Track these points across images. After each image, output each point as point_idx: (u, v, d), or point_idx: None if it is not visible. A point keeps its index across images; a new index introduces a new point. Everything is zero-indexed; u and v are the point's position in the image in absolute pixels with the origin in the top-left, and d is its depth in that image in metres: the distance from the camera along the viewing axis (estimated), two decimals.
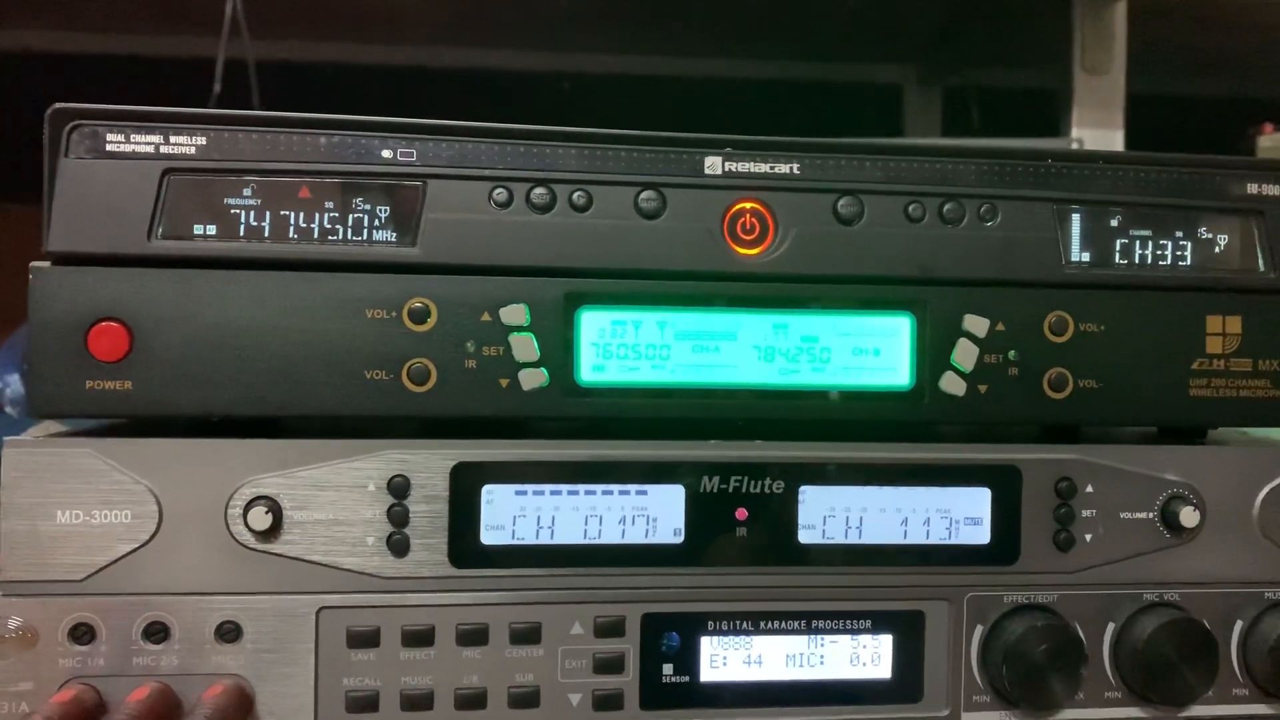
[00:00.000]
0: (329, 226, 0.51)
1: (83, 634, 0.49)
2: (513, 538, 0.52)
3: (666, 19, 1.20)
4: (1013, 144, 0.83)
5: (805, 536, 0.54)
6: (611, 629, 0.53)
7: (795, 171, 0.54)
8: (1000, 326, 0.55)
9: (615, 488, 0.53)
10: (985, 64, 1.38)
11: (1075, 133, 1.16)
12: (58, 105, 0.50)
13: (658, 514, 0.53)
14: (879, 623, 0.55)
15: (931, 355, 0.55)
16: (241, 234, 0.51)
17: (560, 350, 0.53)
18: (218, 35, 0.97)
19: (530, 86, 1.35)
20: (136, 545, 0.49)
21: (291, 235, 0.51)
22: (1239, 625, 0.56)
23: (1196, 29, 1.23)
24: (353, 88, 1.25)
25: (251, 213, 0.51)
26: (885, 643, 0.55)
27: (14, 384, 0.93)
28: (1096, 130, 1.16)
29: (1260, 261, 0.57)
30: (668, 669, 0.53)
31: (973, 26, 1.26)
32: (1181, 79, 1.37)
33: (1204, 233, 0.57)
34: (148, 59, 1.18)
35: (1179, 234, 0.57)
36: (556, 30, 1.24)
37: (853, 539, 0.54)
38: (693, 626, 0.53)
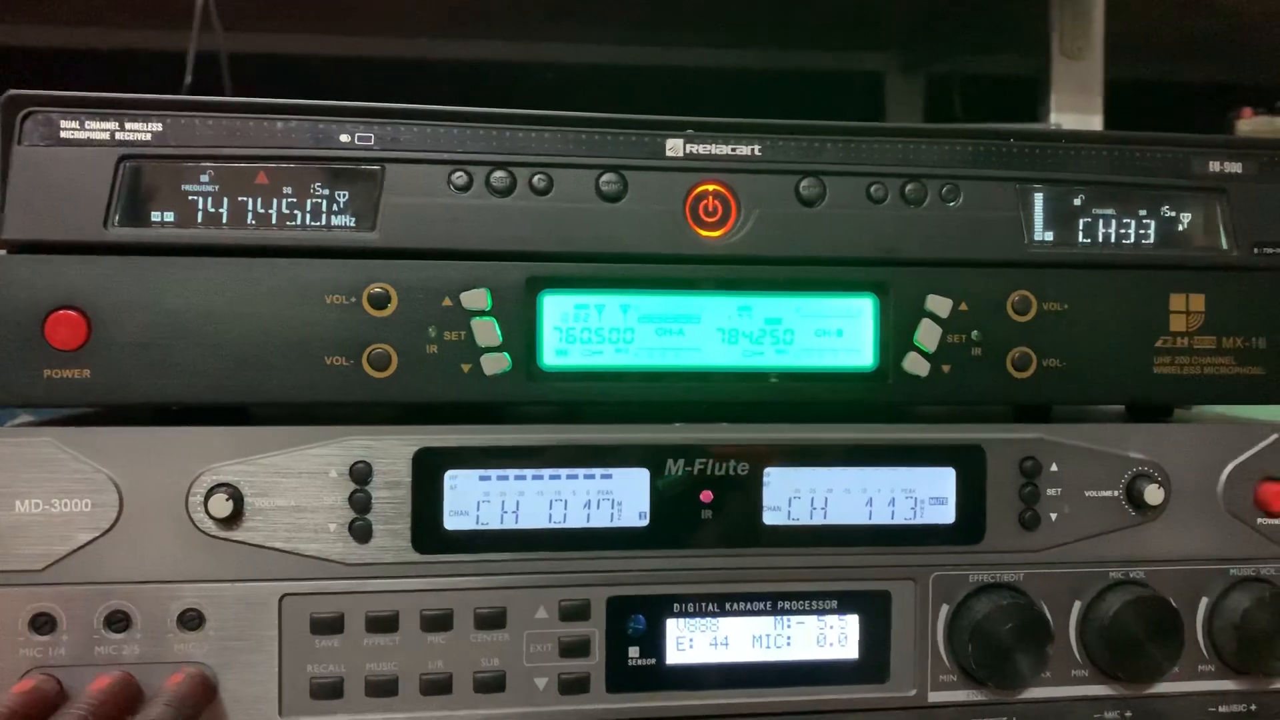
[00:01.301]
0: (287, 212, 0.51)
1: (43, 624, 0.49)
2: (477, 523, 0.52)
3: (648, 8, 1.19)
4: (979, 127, 0.82)
5: (770, 518, 0.54)
6: (577, 612, 0.53)
7: (757, 153, 0.54)
8: (963, 307, 0.55)
9: (580, 471, 0.53)
10: (967, 51, 1.37)
11: (1054, 118, 1.16)
12: (11, 92, 0.49)
13: (623, 497, 0.53)
14: (845, 603, 0.55)
15: (895, 336, 0.55)
16: (199, 220, 0.51)
17: (523, 334, 0.53)
18: (190, 28, 0.97)
19: (512, 77, 1.35)
20: (97, 534, 0.49)
21: (250, 221, 0.51)
22: (1204, 602, 0.56)
23: (1174, 13, 1.22)
24: (330, 80, 1.24)
25: (209, 199, 0.51)
26: (852, 623, 0.55)
27: None
28: (1076, 115, 1.16)
29: (1223, 239, 0.57)
30: (634, 652, 0.53)
31: (954, 13, 1.26)
32: (1160, 64, 1.37)
33: (1167, 211, 0.57)
34: (120, 53, 1.17)
35: (1142, 212, 0.57)
36: (538, 21, 1.24)
37: (818, 520, 0.54)
38: (658, 609, 0.53)
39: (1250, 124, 1.20)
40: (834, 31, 1.32)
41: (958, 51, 1.38)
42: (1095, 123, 1.16)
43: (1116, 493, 0.55)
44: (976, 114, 1.37)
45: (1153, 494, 0.55)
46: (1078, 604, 0.55)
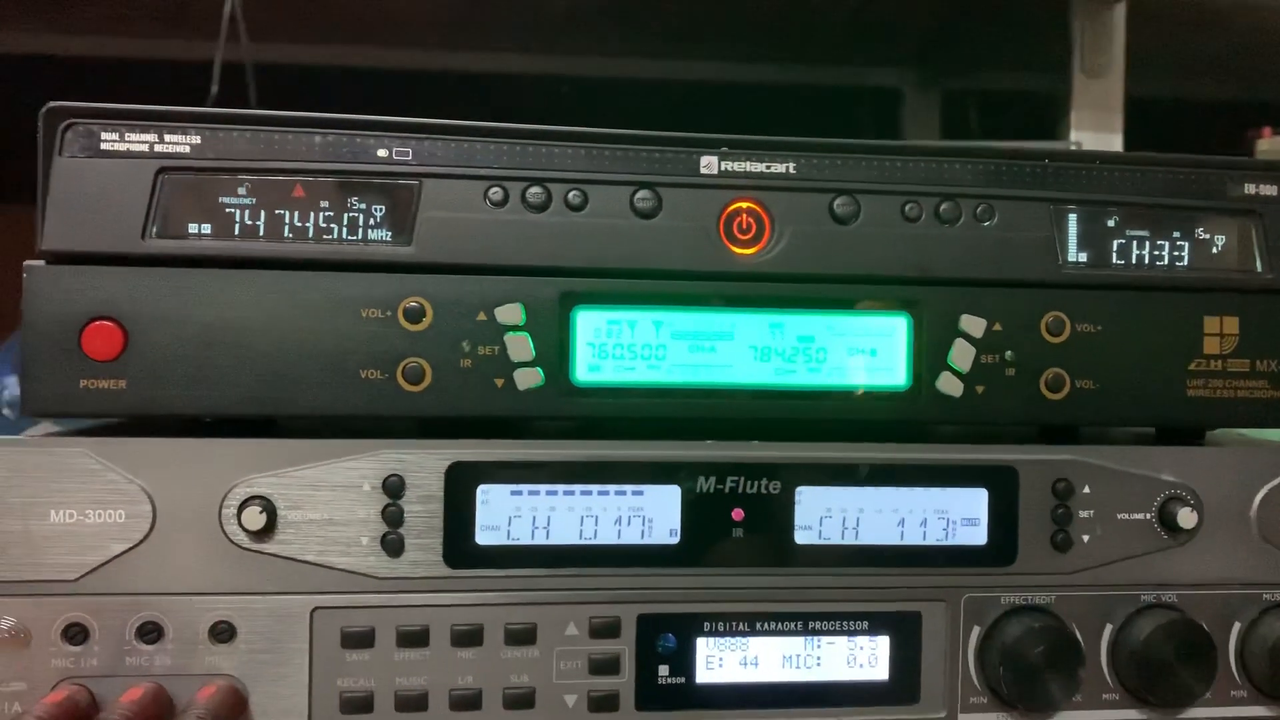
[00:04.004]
0: (324, 225, 0.51)
1: (76, 634, 0.49)
2: (508, 538, 0.52)
3: (664, 22, 1.20)
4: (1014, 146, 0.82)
5: (802, 537, 0.54)
6: (607, 630, 0.52)
7: (791, 171, 0.54)
8: (997, 327, 0.55)
9: (611, 488, 0.53)
10: (984, 67, 1.38)
11: (1074, 135, 1.16)
12: (52, 104, 0.49)
13: (654, 514, 0.53)
14: (876, 624, 0.54)
15: (928, 355, 0.54)
16: (236, 233, 0.51)
17: (556, 350, 0.53)
18: (216, 38, 0.97)
19: (529, 90, 1.35)
20: (130, 545, 0.49)
21: (286, 234, 0.51)
22: (1237, 626, 0.56)
23: (1195, 32, 1.23)
24: (352, 91, 1.25)
25: (246, 211, 0.51)
26: (882, 644, 0.54)
27: (11, 386, 0.92)
28: (1095, 133, 1.16)
29: (1258, 262, 0.57)
30: (663, 670, 0.53)
31: (971, 29, 1.26)
32: (1180, 82, 1.37)
33: (1201, 233, 0.57)
34: (145, 62, 1.18)
35: (1176, 234, 0.57)
36: (555, 33, 1.24)
37: (849, 540, 0.54)
38: (689, 627, 0.53)
39: (1270, 144, 1.20)
40: (851, 46, 1.33)
41: (975, 67, 1.38)
42: (1115, 141, 1.15)
43: (1149, 515, 0.55)
44: (993, 130, 1.37)
45: (1185, 517, 0.55)
46: (1109, 627, 0.55)
